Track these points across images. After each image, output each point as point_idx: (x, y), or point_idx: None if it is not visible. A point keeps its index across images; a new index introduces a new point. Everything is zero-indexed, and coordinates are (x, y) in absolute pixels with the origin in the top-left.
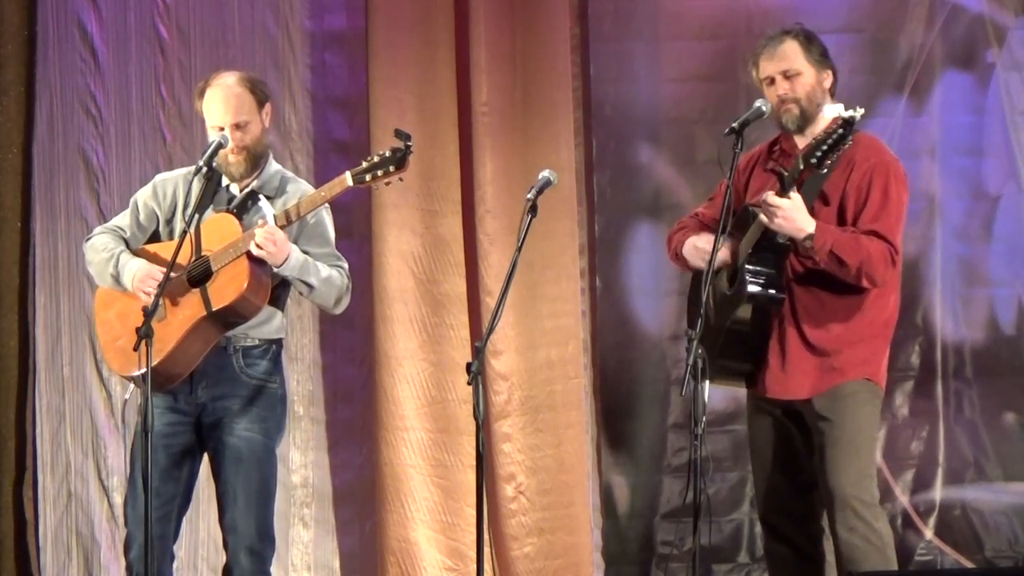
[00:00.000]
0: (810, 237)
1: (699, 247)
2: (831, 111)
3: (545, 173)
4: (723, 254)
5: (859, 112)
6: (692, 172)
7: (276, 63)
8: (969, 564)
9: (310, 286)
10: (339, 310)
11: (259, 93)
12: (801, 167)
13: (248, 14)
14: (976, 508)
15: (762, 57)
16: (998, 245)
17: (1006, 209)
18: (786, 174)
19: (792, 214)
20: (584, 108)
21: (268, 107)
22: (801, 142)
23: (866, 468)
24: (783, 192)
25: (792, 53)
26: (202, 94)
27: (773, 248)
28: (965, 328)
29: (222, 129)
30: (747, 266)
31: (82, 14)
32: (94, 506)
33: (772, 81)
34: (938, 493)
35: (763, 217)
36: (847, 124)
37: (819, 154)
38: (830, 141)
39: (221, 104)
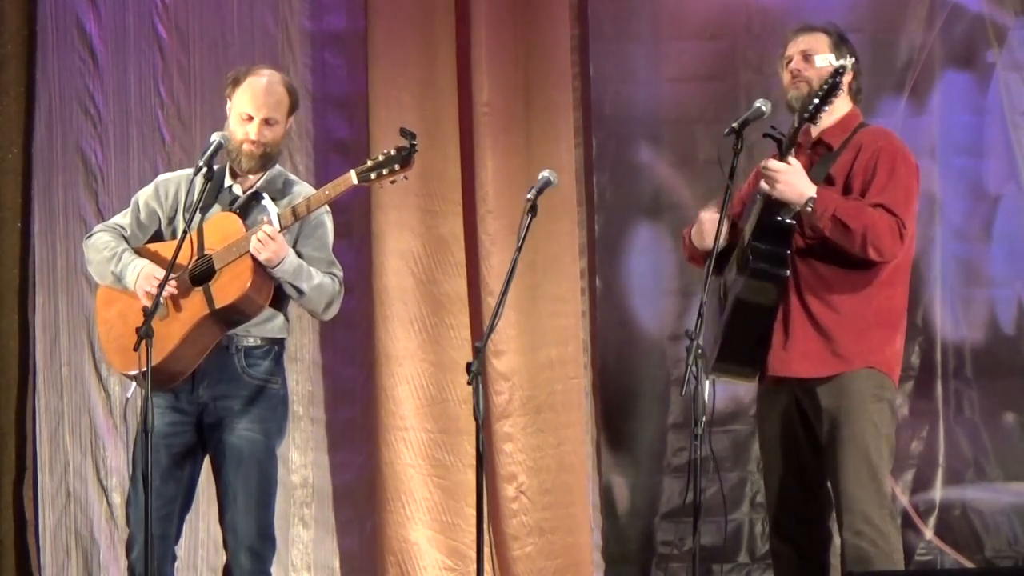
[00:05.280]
0: (811, 201)
1: (704, 227)
2: (821, 60)
3: (545, 173)
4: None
5: (849, 61)
6: (692, 172)
7: (276, 63)
8: (969, 564)
9: (300, 291)
10: (327, 316)
11: (294, 98)
12: (796, 125)
13: (247, 14)
14: (976, 508)
15: (789, 41)
16: (998, 245)
17: (1006, 209)
18: (784, 138)
19: (792, 178)
20: (584, 108)
21: (294, 116)
22: (815, 131)
23: (876, 469)
24: (782, 157)
25: (818, 41)
26: (238, 81)
27: (774, 226)
28: (965, 328)
29: (250, 119)
30: (752, 243)
31: (81, 14)
32: (93, 506)
33: (790, 60)
34: (938, 493)
35: (763, 185)
36: (837, 72)
37: (812, 107)
38: (822, 92)
39: (261, 95)
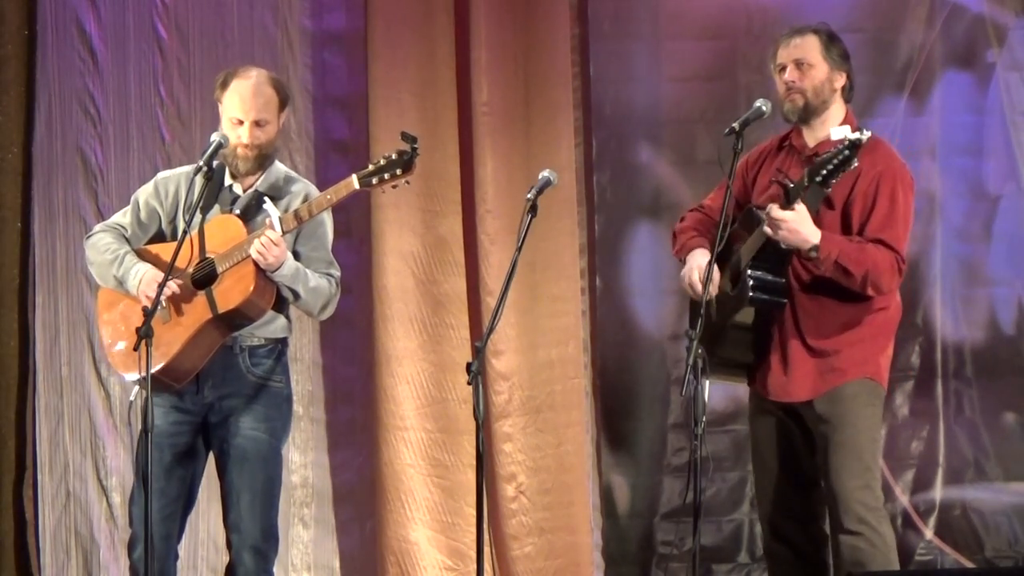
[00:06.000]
0: (815, 248)
1: (693, 275)
2: (837, 133)
3: (545, 173)
4: (717, 276)
5: (865, 135)
6: (692, 172)
7: (275, 63)
8: (969, 564)
9: (296, 294)
10: (323, 317)
11: (282, 95)
12: (806, 183)
13: (247, 14)
14: (976, 508)
15: (780, 45)
16: (998, 245)
17: (1006, 209)
18: (791, 186)
19: (797, 226)
20: (584, 108)
21: (286, 111)
22: (810, 138)
23: (869, 470)
24: (787, 205)
25: (810, 46)
26: (225, 84)
27: (776, 253)
28: (965, 328)
29: (240, 123)
30: (749, 271)
31: (81, 14)
32: (93, 506)
33: (784, 69)
34: (938, 493)
35: (767, 230)
36: (853, 146)
37: (824, 173)
38: (835, 162)
39: (248, 98)
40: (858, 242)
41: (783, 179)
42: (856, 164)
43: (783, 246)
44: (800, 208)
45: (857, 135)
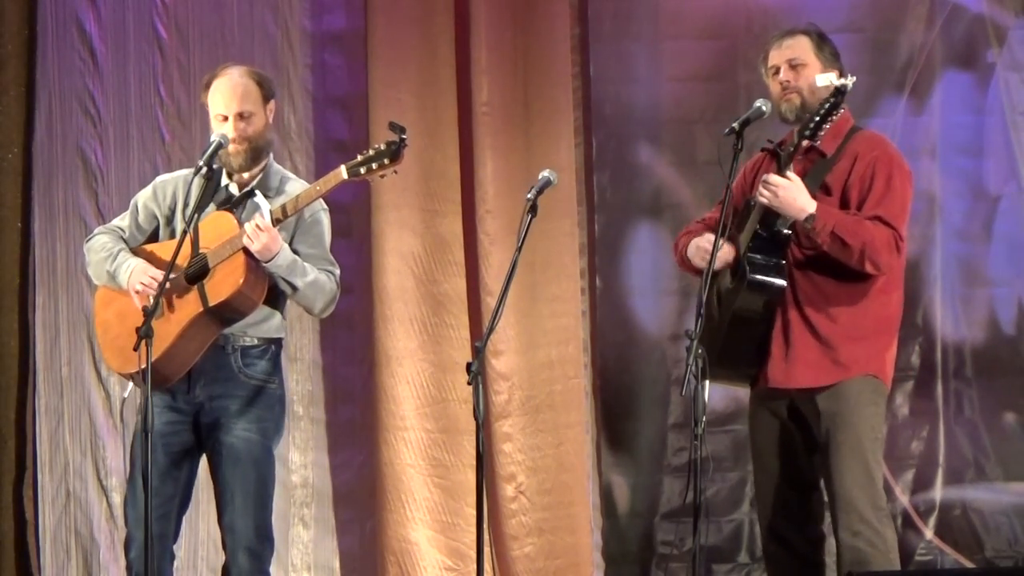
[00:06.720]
0: (811, 218)
1: (701, 246)
2: (822, 80)
3: (545, 173)
4: (725, 253)
5: (851, 80)
6: (692, 172)
7: (275, 63)
8: (969, 564)
9: (294, 287)
10: (324, 314)
11: (265, 87)
12: (796, 141)
13: (247, 14)
14: (976, 508)
15: (772, 48)
16: (998, 245)
17: (1006, 209)
18: (782, 153)
19: (793, 193)
20: (584, 108)
21: (272, 103)
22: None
23: (872, 471)
24: (781, 171)
25: (802, 46)
26: (208, 85)
27: (772, 236)
28: (965, 328)
29: (226, 119)
30: (748, 255)
31: (81, 14)
32: (93, 506)
33: (777, 71)
34: (938, 493)
35: (762, 198)
36: (839, 92)
37: (812, 125)
38: (823, 110)
39: (227, 92)
40: (855, 215)
41: (773, 147)
42: (843, 111)
43: (777, 227)
44: (794, 177)
45: (843, 81)
